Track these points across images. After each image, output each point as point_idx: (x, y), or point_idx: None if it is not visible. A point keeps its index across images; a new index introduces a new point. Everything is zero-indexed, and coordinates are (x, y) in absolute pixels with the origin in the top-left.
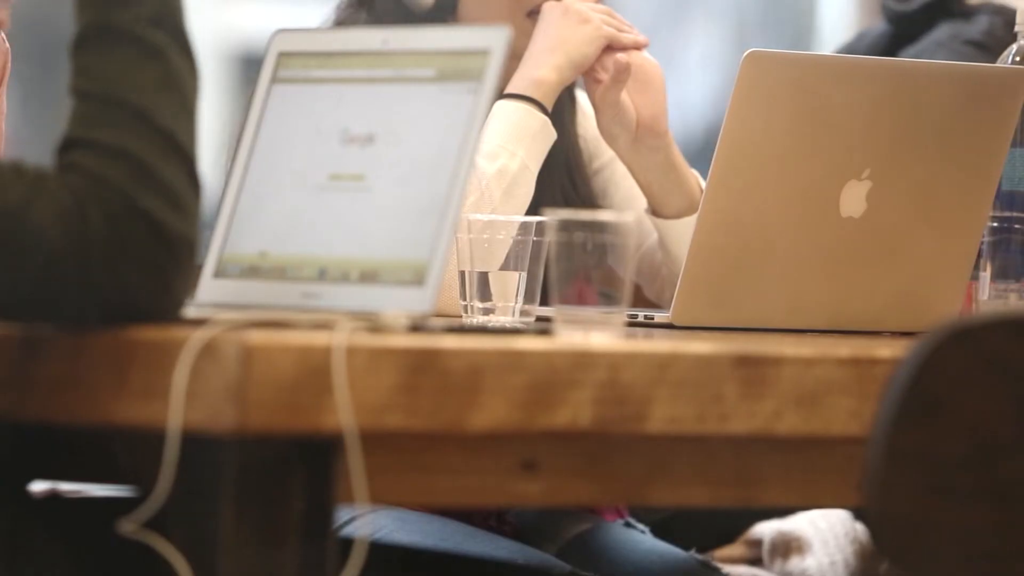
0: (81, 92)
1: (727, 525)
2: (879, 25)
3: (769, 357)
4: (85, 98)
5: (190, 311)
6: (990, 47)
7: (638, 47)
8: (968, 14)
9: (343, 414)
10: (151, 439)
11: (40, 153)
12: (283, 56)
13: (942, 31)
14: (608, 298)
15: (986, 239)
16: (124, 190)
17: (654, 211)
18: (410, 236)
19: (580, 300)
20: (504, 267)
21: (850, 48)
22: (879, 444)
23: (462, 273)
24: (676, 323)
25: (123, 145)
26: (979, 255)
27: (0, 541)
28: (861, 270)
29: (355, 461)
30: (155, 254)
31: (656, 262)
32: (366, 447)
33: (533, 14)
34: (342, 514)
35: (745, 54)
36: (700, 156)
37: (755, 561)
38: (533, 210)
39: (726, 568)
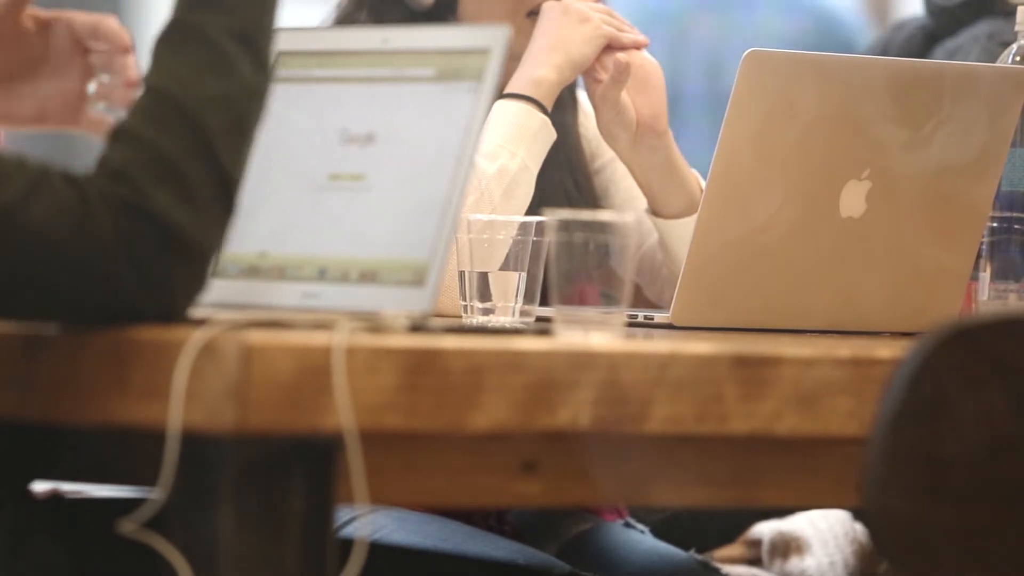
0: (148, 84)
1: (727, 525)
2: (919, 17)
3: (769, 357)
4: (148, 91)
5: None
6: None
7: (638, 47)
8: (1011, 14)
9: (343, 414)
10: (151, 439)
11: (38, 153)
12: (283, 55)
13: (981, 28)
14: (608, 298)
15: (986, 239)
16: (141, 189)
17: (654, 211)
18: (410, 236)
19: (582, 300)
20: (504, 267)
21: (887, 39)
22: (879, 444)
23: (462, 273)
24: (676, 323)
25: (160, 145)
26: (979, 255)
27: (1, 541)
28: (861, 270)
29: (355, 461)
30: (161, 257)
31: (656, 262)
32: (366, 447)
33: (533, 14)
34: (342, 514)
35: (745, 54)
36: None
37: (755, 561)
38: (537, 210)
39: (726, 568)
